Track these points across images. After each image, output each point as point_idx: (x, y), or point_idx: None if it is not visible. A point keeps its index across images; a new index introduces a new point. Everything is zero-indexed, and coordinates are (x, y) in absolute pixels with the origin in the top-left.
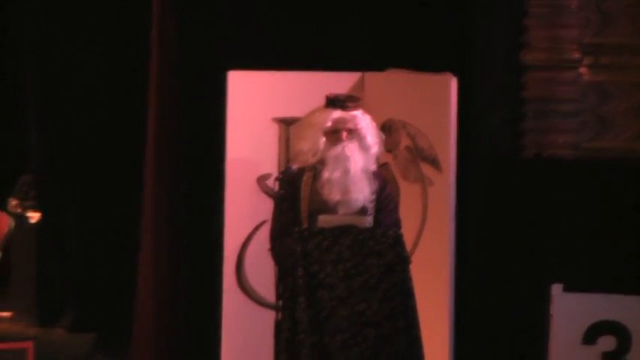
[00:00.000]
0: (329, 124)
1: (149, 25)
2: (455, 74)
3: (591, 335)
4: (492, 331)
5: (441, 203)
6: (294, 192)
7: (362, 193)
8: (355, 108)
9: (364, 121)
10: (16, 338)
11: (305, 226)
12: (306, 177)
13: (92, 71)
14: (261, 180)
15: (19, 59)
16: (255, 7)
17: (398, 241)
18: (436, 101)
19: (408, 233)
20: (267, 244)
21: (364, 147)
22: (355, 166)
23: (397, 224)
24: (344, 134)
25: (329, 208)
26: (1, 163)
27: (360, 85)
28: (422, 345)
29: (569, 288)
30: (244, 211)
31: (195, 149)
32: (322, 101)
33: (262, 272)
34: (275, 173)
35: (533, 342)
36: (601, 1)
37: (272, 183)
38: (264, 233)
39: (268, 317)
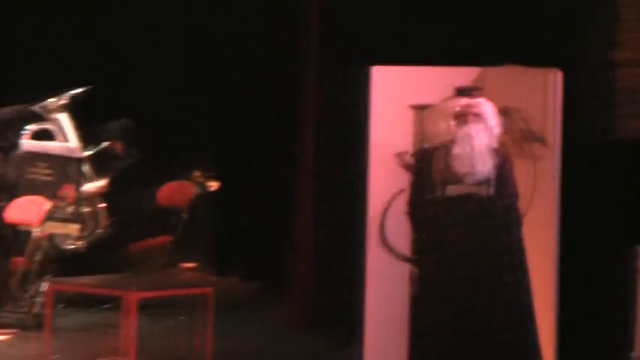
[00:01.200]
0: (458, 109)
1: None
2: (560, 69)
3: None
4: (587, 286)
5: (548, 176)
6: (427, 166)
7: (485, 166)
8: (479, 96)
9: (486, 107)
10: (200, 284)
11: (437, 194)
12: (438, 153)
13: (258, 64)
14: (400, 156)
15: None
16: (392, 10)
17: (513, 206)
18: (544, 91)
19: (521, 200)
20: (404, 209)
21: (487, 128)
22: (480, 143)
23: (515, 194)
24: (470, 117)
25: (457, 179)
26: (188, 143)
27: (481, 77)
28: (531, 294)
29: None
30: (385, 182)
31: (344, 130)
32: (450, 91)
33: (400, 232)
34: (411, 150)
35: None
36: None
37: (408, 158)
38: (402, 200)
39: (406, 270)
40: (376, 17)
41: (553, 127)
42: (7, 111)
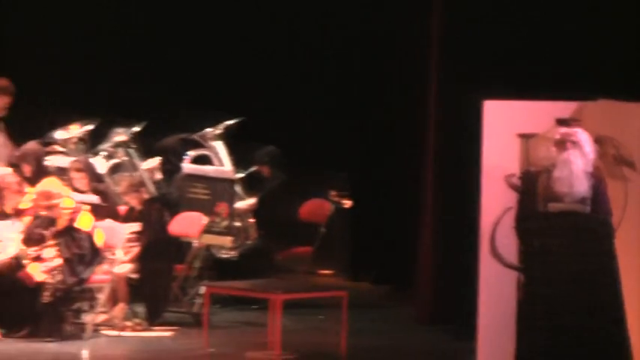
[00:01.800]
0: (558, 137)
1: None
2: None
3: None
4: None
5: (637, 195)
6: (532, 186)
7: (582, 187)
8: (577, 126)
9: (583, 135)
10: (336, 288)
11: (540, 210)
12: (541, 176)
13: (388, 97)
14: (508, 177)
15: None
16: (501, 51)
17: (607, 221)
18: (633, 122)
19: (613, 216)
20: (512, 223)
21: (583, 154)
22: (577, 167)
23: (608, 211)
24: (569, 144)
25: (558, 198)
26: (324, 165)
27: (579, 110)
28: (622, 295)
29: None
30: (496, 200)
31: (461, 155)
32: (552, 122)
33: (509, 243)
34: (518, 173)
35: None
36: None
37: (516, 180)
38: (510, 216)
39: (513, 276)
40: (488, 57)
41: None
42: (171, 139)
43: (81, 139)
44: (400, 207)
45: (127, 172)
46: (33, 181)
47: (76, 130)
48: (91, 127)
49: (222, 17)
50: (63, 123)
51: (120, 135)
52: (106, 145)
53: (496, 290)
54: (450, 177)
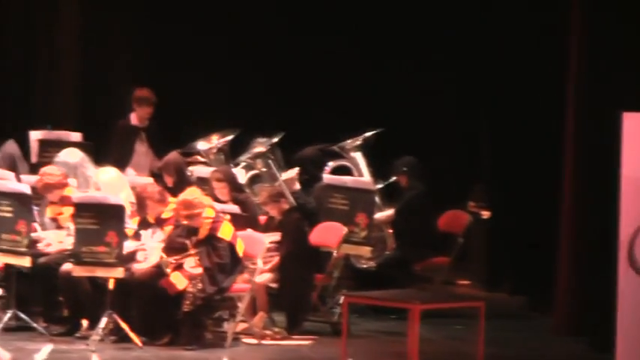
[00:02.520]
0: None
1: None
2: None
3: None
4: None
5: None
6: None
7: None
8: None
9: None
10: (473, 299)
11: None
12: None
13: (526, 110)
14: None
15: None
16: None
17: None
18: None
19: None
20: None
21: None
22: None
23: None
24: None
25: None
26: (464, 177)
27: None
28: None
29: None
30: (635, 211)
31: (600, 166)
32: None
33: None
34: None
35: None
36: None
37: None
38: None
39: None
40: (626, 68)
41: None
42: (310, 149)
43: (221, 150)
44: (538, 218)
45: (266, 182)
46: (175, 190)
47: (216, 141)
48: (230, 137)
49: (359, 29)
50: (204, 133)
51: (259, 146)
52: (245, 156)
53: (635, 300)
54: (588, 188)
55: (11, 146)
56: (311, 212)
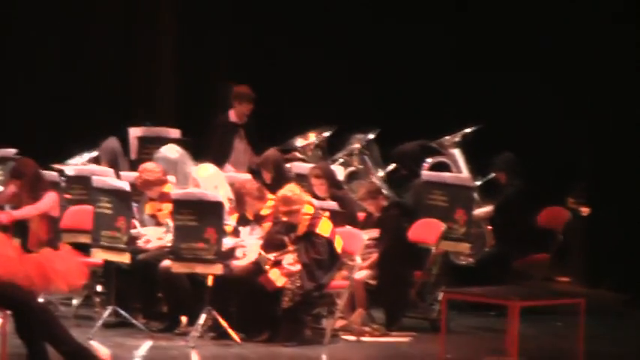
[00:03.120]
0: None
1: None
2: None
3: None
4: None
5: None
6: None
7: None
8: None
9: None
10: (573, 295)
11: None
12: None
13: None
14: None
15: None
16: None
17: None
18: None
19: None
20: None
21: None
22: None
23: None
24: None
25: None
26: (563, 173)
27: None
28: None
29: None
30: None
31: None
32: None
33: None
34: None
35: None
36: None
37: None
38: None
39: None
40: None
41: None
42: (410, 145)
43: (318, 146)
44: (638, 214)
45: (363, 179)
46: (273, 187)
47: (313, 138)
48: (327, 134)
49: (460, 23)
50: (302, 130)
51: (355, 142)
52: (341, 153)
53: None
54: None
55: (113, 142)
56: (409, 209)
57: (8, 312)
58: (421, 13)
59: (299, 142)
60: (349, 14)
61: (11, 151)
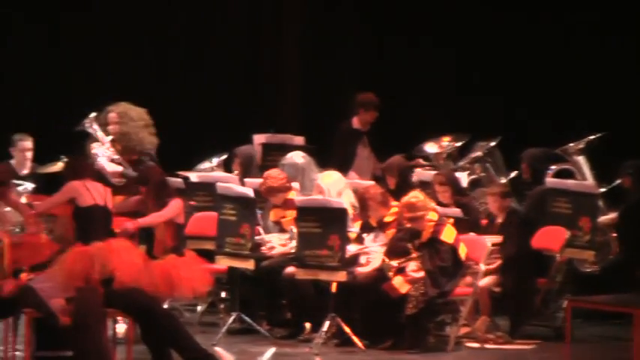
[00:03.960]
0: None
1: None
2: None
3: None
4: None
5: None
6: None
7: None
8: None
9: None
10: None
11: None
12: None
13: None
14: None
15: None
16: None
17: None
18: None
19: None
20: None
21: None
22: None
23: None
24: None
25: None
26: None
27: None
28: None
29: None
30: None
31: None
32: None
33: None
34: None
35: None
36: None
37: None
38: None
39: None
40: None
41: None
42: (534, 151)
43: (450, 154)
44: None
45: (486, 186)
46: (397, 193)
47: (447, 144)
48: (461, 142)
49: (583, 33)
50: (433, 137)
51: (478, 150)
52: (465, 160)
53: None
54: None
55: (249, 149)
56: (532, 216)
57: (134, 318)
58: (548, 22)
59: (430, 147)
60: (480, 23)
61: (299, 139)
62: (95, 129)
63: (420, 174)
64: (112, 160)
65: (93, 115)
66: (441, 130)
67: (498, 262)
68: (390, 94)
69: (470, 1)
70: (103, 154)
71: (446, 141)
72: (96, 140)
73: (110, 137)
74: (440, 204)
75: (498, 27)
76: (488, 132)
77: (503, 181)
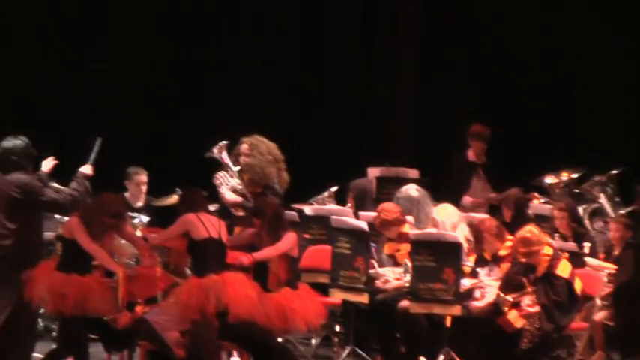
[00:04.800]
0: None
1: None
2: None
3: None
4: None
5: None
6: None
7: None
8: None
9: None
10: None
11: None
12: None
13: None
14: None
15: None
16: None
17: None
18: None
19: None
20: None
21: None
22: None
23: None
24: None
25: None
26: None
27: None
28: None
29: None
30: None
31: None
32: None
33: None
34: None
35: None
36: None
37: None
38: None
39: None
40: None
41: None
42: None
43: (567, 185)
44: None
45: (603, 217)
46: (512, 226)
47: (565, 177)
48: (579, 174)
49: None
50: (552, 169)
51: (597, 181)
52: (585, 185)
53: None
54: None
55: (364, 182)
56: None
57: (248, 351)
58: None
59: (548, 179)
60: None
61: (414, 172)
62: (224, 157)
63: (537, 207)
64: (235, 191)
65: (224, 142)
66: (558, 162)
67: (608, 290)
68: (509, 125)
69: (590, 38)
70: (227, 183)
71: (565, 175)
72: (223, 168)
73: (238, 167)
74: (558, 235)
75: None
76: (605, 165)
77: (621, 212)
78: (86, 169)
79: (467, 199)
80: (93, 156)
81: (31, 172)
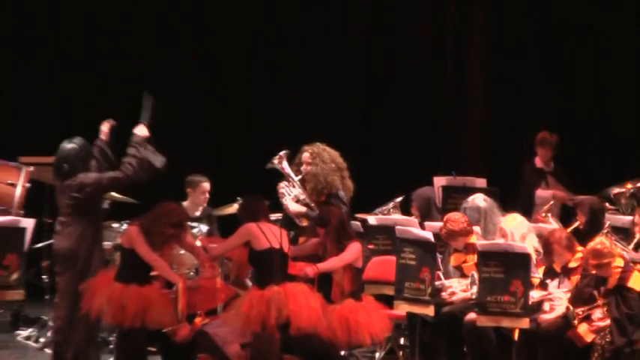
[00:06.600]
0: None
1: None
2: None
3: None
4: None
5: None
6: None
7: None
8: None
9: None
10: None
11: None
12: None
13: None
14: None
15: None
16: None
17: None
18: None
19: None
20: None
21: None
22: None
23: None
24: None
25: None
26: None
27: None
28: None
29: None
30: None
31: None
32: None
33: None
34: None
35: None
36: None
37: None
38: None
39: None
40: None
41: None
42: None
43: (634, 195)
44: None
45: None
46: (584, 234)
47: (630, 186)
48: None
49: None
50: (618, 179)
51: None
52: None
53: None
54: None
55: (428, 191)
56: None
57: None
58: None
59: (615, 190)
60: None
61: (481, 181)
62: (284, 167)
63: (613, 219)
64: (298, 201)
65: (284, 152)
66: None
67: None
68: (576, 131)
69: None
70: (290, 193)
71: (629, 185)
72: (284, 179)
73: (300, 177)
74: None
75: None
76: None
77: None
78: (141, 130)
79: (541, 192)
80: (146, 114)
81: (86, 169)
